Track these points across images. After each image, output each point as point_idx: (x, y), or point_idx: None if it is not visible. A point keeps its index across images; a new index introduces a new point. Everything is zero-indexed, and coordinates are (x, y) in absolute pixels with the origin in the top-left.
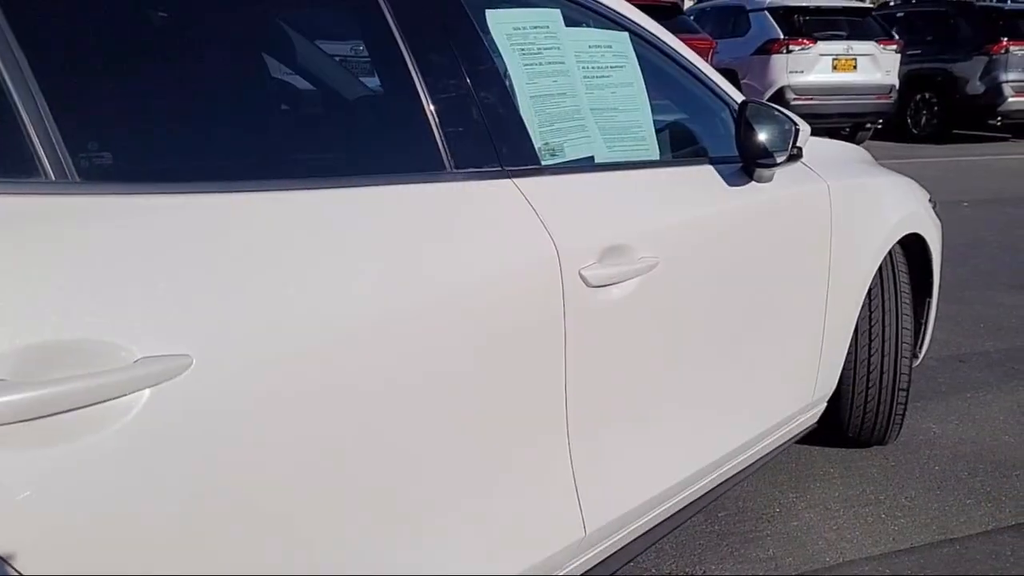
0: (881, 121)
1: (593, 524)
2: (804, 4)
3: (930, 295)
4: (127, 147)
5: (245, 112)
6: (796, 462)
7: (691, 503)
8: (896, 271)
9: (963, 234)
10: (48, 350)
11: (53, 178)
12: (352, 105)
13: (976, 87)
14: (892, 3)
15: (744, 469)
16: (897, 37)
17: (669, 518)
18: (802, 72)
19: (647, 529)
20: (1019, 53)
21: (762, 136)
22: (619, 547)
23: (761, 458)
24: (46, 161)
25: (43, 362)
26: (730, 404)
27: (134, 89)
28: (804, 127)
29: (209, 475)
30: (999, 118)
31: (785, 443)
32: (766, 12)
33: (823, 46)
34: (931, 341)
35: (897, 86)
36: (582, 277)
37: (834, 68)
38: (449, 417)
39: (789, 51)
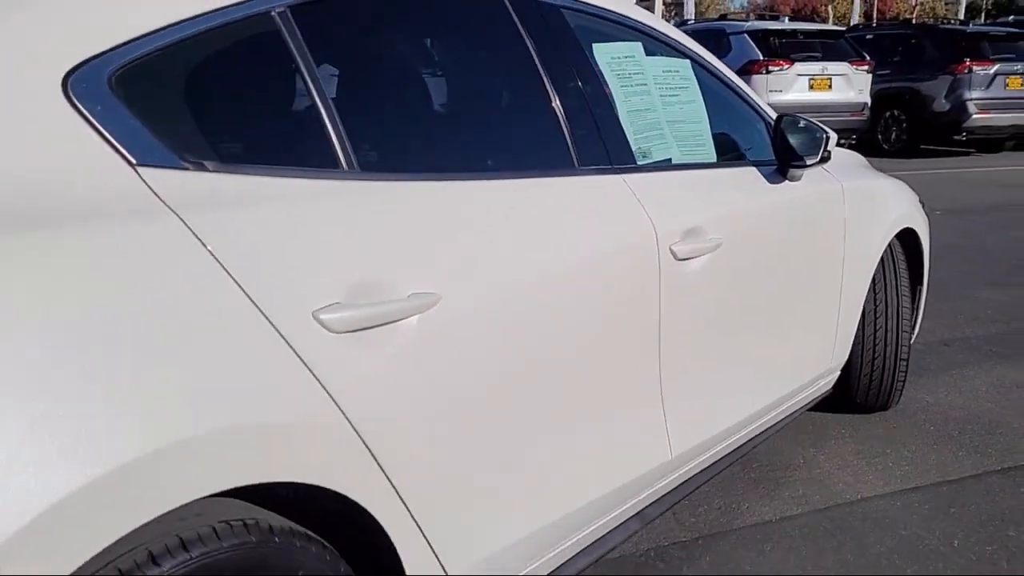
0: (854, 137)
1: (677, 450)
2: (781, 28)
3: (921, 283)
4: (389, 148)
5: (462, 126)
6: (813, 425)
7: (742, 445)
8: (895, 260)
9: (938, 239)
10: (363, 284)
11: (345, 169)
12: (520, 120)
13: (942, 105)
14: (861, 26)
15: (780, 420)
16: (868, 57)
17: (728, 455)
18: (781, 91)
19: (713, 461)
20: (981, 73)
21: (794, 142)
22: (693, 473)
23: (792, 413)
24: (341, 157)
25: (360, 292)
26: (773, 362)
27: (391, 110)
28: (832, 135)
29: (452, 373)
30: (964, 134)
31: (810, 402)
32: (746, 35)
33: (800, 67)
34: (919, 329)
35: (869, 104)
36: (672, 251)
37: (811, 87)
38: (586, 351)
39: (768, 71)
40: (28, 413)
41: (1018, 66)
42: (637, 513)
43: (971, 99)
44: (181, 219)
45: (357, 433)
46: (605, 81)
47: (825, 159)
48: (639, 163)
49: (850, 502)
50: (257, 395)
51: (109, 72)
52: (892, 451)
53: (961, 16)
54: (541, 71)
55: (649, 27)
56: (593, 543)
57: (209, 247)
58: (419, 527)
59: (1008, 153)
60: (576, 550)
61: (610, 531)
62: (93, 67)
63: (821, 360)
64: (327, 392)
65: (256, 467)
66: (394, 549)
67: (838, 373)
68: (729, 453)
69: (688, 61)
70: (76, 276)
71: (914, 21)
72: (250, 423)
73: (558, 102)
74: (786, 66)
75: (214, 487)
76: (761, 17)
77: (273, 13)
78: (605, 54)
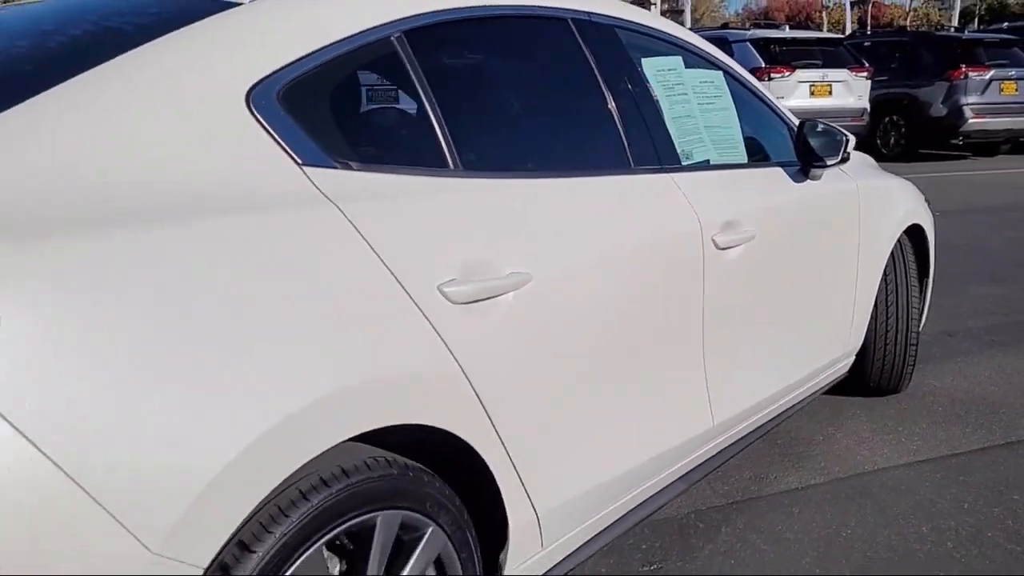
0: (854, 141)
1: (717, 419)
2: (782, 36)
3: (927, 275)
4: (486, 151)
5: (542, 132)
6: (830, 407)
7: (770, 420)
8: (904, 253)
9: (939, 238)
10: (473, 264)
11: (452, 168)
12: (588, 126)
13: (939, 110)
14: (859, 34)
15: (803, 399)
16: (867, 64)
17: (757, 428)
18: (783, 98)
19: (745, 433)
20: (977, 78)
21: (814, 145)
22: (727, 444)
23: (813, 393)
24: (448, 159)
25: (471, 271)
26: (798, 344)
27: (486, 118)
28: (851, 138)
29: (541, 340)
30: (960, 138)
31: (828, 384)
32: (748, 43)
33: (801, 74)
34: (925, 320)
35: (868, 109)
36: (714, 241)
37: (811, 94)
38: (644, 325)
39: (770, 79)
40: (244, 364)
41: (1012, 71)
42: (682, 476)
43: (967, 104)
44: (339, 208)
45: (471, 385)
46: (652, 91)
47: (845, 159)
48: (683, 163)
49: (868, 472)
50: (400, 351)
51: (278, 88)
52: (904, 428)
53: (955, 21)
54: (602, 84)
55: (687, 42)
56: (645, 501)
57: (360, 231)
58: (515, 467)
59: (1004, 156)
60: (632, 506)
61: (658, 491)
62: (267, 84)
63: (839, 344)
64: (449, 350)
65: (399, 410)
66: (495, 487)
67: (853, 358)
68: (758, 427)
69: (721, 72)
70: (260, 251)
71: (908, 26)
72: (394, 374)
73: (616, 111)
74: (787, 73)
75: (367, 427)
76: (756, 24)
77: (392, 38)
78: (651, 67)
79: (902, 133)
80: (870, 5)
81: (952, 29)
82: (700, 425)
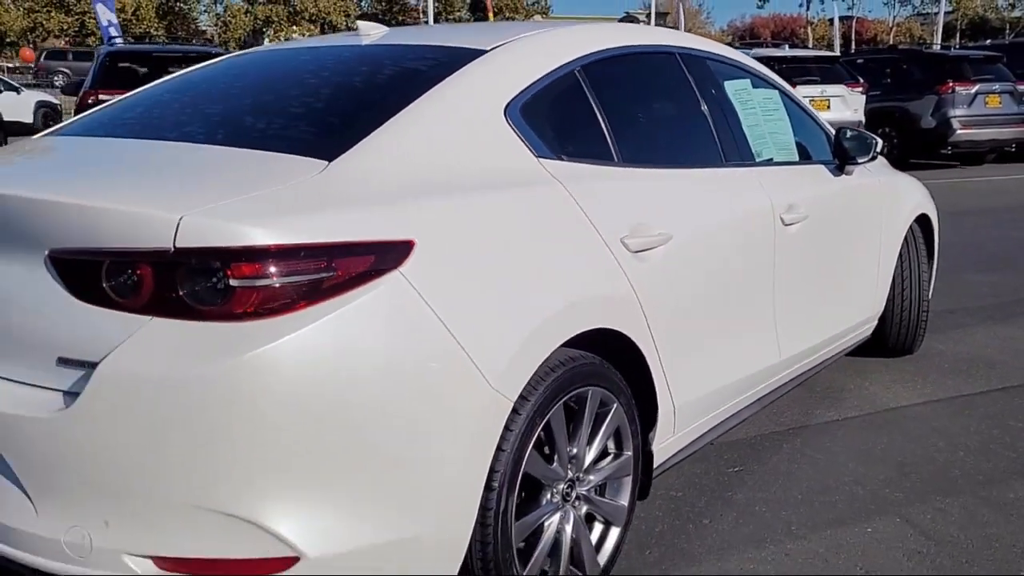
0: (881, 144)
1: (783, 355)
2: (782, 55)
3: (933, 256)
4: (637, 149)
5: (669, 136)
6: (856, 365)
7: (814, 367)
8: (915, 237)
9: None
10: (638, 225)
11: (615, 160)
12: (696, 132)
13: (929, 122)
14: (853, 51)
15: (838, 352)
16: (861, 80)
17: (803, 372)
18: None
19: (798, 373)
20: (964, 92)
21: (848, 147)
22: (784, 381)
23: (845, 348)
24: (613, 151)
25: (637, 230)
26: (838, 303)
27: (637, 126)
28: (879, 140)
29: (679, 281)
30: (949, 148)
31: (856, 342)
32: None
33: (800, 89)
34: (931, 297)
35: (863, 122)
36: (781, 219)
37: None
38: (739, 276)
39: None
40: (528, 280)
41: (996, 86)
42: (757, 399)
43: (955, 116)
44: (563, 184)
45: (640, 304)
46: (734, 106)
47: (874, 159)
48: (756, 160)
49: (892, 408)
50: (599, 279)
51: (519, 105)
52: (919, 378)
53: (938, 37)
54: (700, 101)
55: (753, 68)
56: (733, 415)
57: (576, 200)
58: (663, 367)
59: (989, 165)
60: (725, 416)
61: (741, 409)
62: (513, 103)
63: (867, 307)
64: (628, 281)
65: (597, 317)
66: (650, 378)
67: (876, 322)
68: (806, 371)
69: (777, 91)
70: (523, 211)
71: (892, 41)
72: (596, 294)
73: (711, 120)
74: (791, 88)
75: (584, 327)
76: (742, 39)
77: (575, 72)
78: (731, 87)
79: (895, 144)
80: (854, 21)
81: (938, 46)
82: (772, 357)
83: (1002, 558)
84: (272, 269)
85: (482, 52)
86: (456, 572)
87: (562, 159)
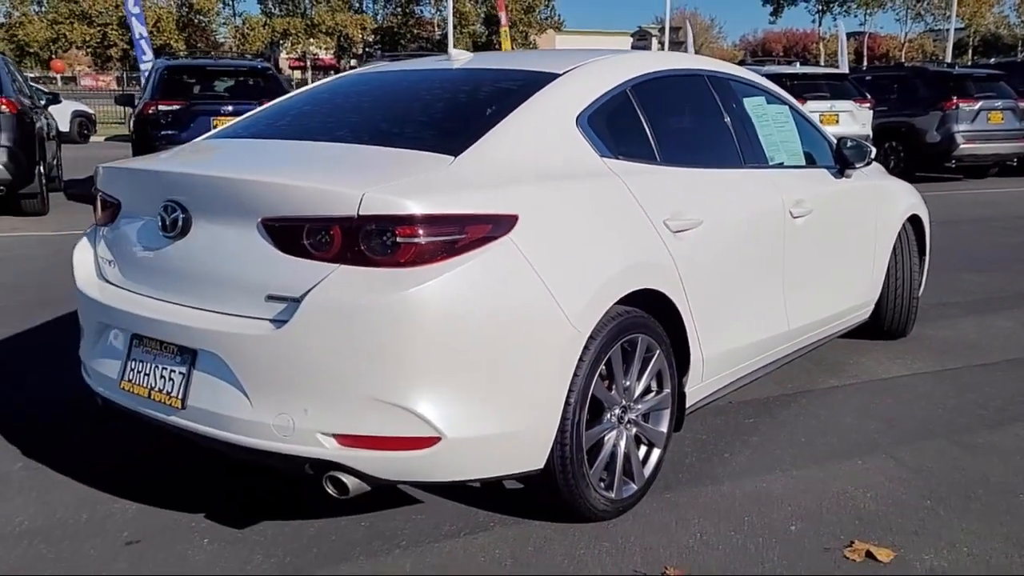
0: (875, 152)
1: (791, 325)
2: (794, 72)
3: (924, 253)
4: (674, 151)
5: (697, 142)
6: (853, 346)
7: (820, 339)
8: (908, 235)
9: (933, 243)
10: (675, 211)
11: (658, 160)
12: (719, 138)
13: (933, 136)
14: (862, 69)
15: (839, 330)
16: (869, 96)
17: (808, 345)
18: None
19: (803, 345)
20: (967, 108)
21: (847, 154)
22: (791, 351)
23: (845, 327)
24: (656, 153)
25: (675, 214)
26: (839, 286)
27: (674, 133)
28: (873, 149)
29: (707, 256)
30: (953, 161)
31: (856, 323)
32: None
33: (811, 104)
34: (923, 290)
35: (871, 136)
36: (790, 212)
37: (820, 122)
38: (755, 258)
39: None
40: (597, 249)
41: (998, 103)
42: (767, 364)
43: (959, 131)
44: (620, 178)
45: (677, 272)
46: (751, 118)
47: (869, 163)
48: (770, 164)
49: (886, 378)
50: (647, 250)
51: (587, 116)
52: (909, 356)
53: (949, 53)
54: (724, 114)
55: (766, 87)
56: (747, 375)
57: (631, 190)
58: (694, 322)
59: (992, 179)
60: (739, 375)
61: (754, 370)
62: (581, 113)
63: (863, 292)
64: (669, 253)
65: (646, 279)
66: (684, 336)
67: (872, 307)
68: (808, 344)
69: (787, 107)
70: (589, 199)
71: (903, 57)
72: (645, 261)
73: (733, 130)
74: (799, 104)
75: (635, 287)
76: (754, 54)
77: (627, 90)
78: (749, 103)
79: (901, 157)
80: (866, 37)
81: (945, 64)
82: (781, 326)
83: (965, 481)
84: (425, 231)
85: (556, 75)
86: (542, 465)
87: (619, 158)
